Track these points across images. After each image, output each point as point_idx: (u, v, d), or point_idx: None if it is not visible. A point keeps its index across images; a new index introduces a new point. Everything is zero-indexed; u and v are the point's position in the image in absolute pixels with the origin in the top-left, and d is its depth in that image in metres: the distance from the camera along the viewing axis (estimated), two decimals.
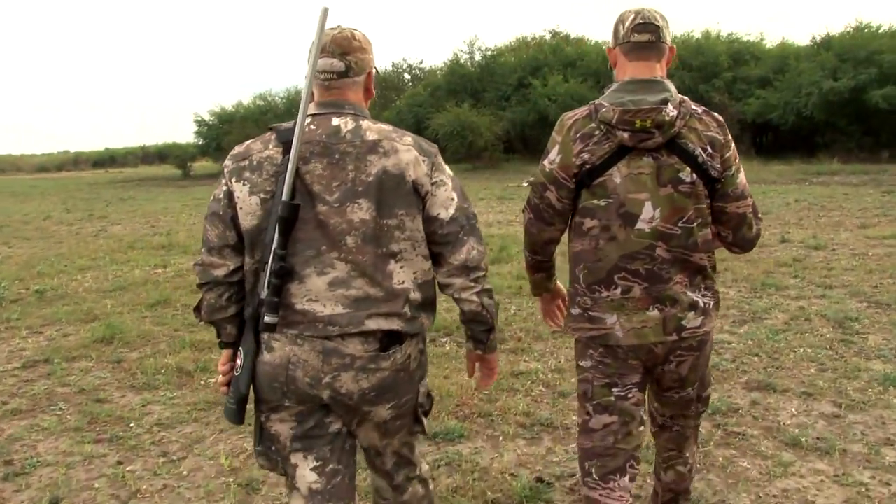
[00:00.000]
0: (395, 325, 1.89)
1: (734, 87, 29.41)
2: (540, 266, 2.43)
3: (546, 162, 2.19)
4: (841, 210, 12.33)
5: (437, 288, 2.03)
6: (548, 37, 37.58)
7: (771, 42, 33.38)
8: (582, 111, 2.18)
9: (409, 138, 1.95)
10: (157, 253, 10.72)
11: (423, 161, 1.93)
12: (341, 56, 1.92)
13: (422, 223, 1.93)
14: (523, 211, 2.32)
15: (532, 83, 31.39)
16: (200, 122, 39.13)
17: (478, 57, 36.04)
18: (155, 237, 12.63)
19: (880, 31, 27.34)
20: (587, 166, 2.11)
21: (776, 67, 29.37)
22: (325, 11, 1.79)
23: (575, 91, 29.71)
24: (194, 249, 10.73)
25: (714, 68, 29.96)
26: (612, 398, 2.25)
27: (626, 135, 2.06)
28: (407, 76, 41.34)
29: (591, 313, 2.21)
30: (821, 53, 27.41)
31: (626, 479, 2.27)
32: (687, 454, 2.54)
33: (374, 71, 2.02)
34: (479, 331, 2.05)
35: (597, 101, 2.14)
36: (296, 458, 1.98)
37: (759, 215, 2.26)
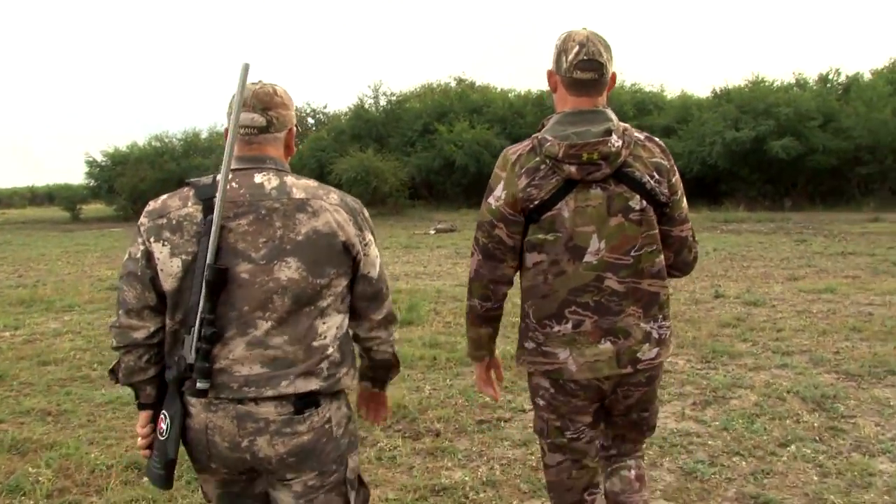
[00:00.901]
0: (312, 384, 1.84)
1: None
2: (489, 316, 2.28)
3: (491, 199, 2.14)
4: (763, 260, 11.86)
5: (352, 342, 2.01)
6: (453, 83, 37.23)
7: (671, 93, 34.02)
8: (525, 145, 2.15)
9: (335, 196, 1.93)
10: (12, 310, 9.12)
11: (351, 220, 1.91)
12: (262, 111, 1.89)
13: (348, 281, 1.93)
14: (472, 247, 2.22)
15: (438, 129, 30.83)
16: (92, 163, 37.01)
17: (383, 102, 35.37)
18: (17, 290, 10.95)
19: (775, 86, 28.07)
20: (535, 201, 2.08)
21: (678, 117, 29.80)
22: (246, 67, 1.79)
23: (481, 137, 29.27)
24: (59, 306, 9.24)
25: (620, 117, 29.64)
26: (565, 440, 2.25)
27: (573, 168, 2.04)
28: (311, 120, 40.28)
29: (544, 348, 2.17)
30: (722, 104, 27.88)
31: None
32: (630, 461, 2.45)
33: (295, 128, 2.01)
34: (383, 373, 2.14)
35: (539, 136, 2.10)
36: None
37: (695, 238, 2.29)
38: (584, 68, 2.06)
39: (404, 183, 28.85)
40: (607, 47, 2.09)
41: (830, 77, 29.49)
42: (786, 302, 8.07)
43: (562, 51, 2.10)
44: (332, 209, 1.87)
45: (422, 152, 31.18)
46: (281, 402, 1.81)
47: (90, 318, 8.38)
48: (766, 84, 28.24)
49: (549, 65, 2.16)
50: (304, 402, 1.83)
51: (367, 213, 1.99)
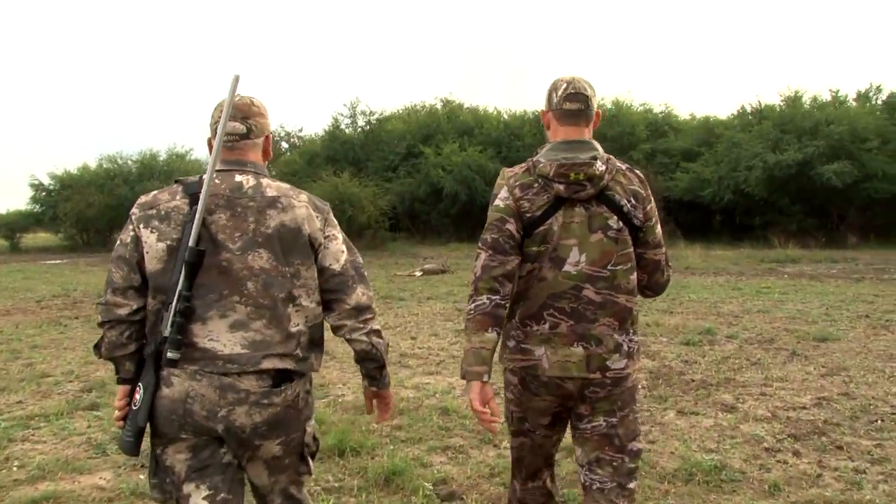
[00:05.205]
0: (287, 364, 2.05)
1: (654, 161, 25.64)
2: (497, 314, 2.25)
3: (499, 200, 2.31)
4: None
5: (323, 330, 2.18)
6: (439, 105, 33.13)
7: (681, 114, 30.18)
8: (521, 167, 2.35)
9: (304, 196, 2.16)
10: None
11: (317, 217, 2.14)
12: (243, 119, 2.13)
13: (316, 272, 2.13)
14: (478, 250, 2.32)
15: (423, 151, 26.82)
16: (37, 187, 32.39)
17: (361, 121, 31.40)
18: None
19: (820, 101, 24.27)
20: (527, 215, 2.27)
21: (700, 140, 25.96)
22: (237, 79, 2.03)
23: (473, 161, 25.34)
24: None
25: (631, 139, 26.24)
26: (523, 429, 2.46)
27: (561, 187, 2.24)
28: (284, 144, 36.22)
29: (522, 345, 2.31)
30: (759, 123, 23.99)
31: (543, 479, 2.56)
32: None
33: (271, 135, 2.26)
34: (372, 368, 2.21)
35: (534, 159, 2.32)
36: (188, 488, 2.05)
37: (670, 263, 2.48)
38: (572, 100, 2.30)
39: (384, 212, 24.66)
40: (591, 86, 2.35)
41: (871, 95, 25.72)
42: None
43: (552, 90, 2.36)
44: (300, 205, 2.11)
45: (405, 178, 27.23)
46: (261, 375, 2.02)
47: None
48: (813, 100, 24.43)
49: (542, 105, 2.42)
50: (282, 378, 2.05)
51: (332, 215, 2.21)
